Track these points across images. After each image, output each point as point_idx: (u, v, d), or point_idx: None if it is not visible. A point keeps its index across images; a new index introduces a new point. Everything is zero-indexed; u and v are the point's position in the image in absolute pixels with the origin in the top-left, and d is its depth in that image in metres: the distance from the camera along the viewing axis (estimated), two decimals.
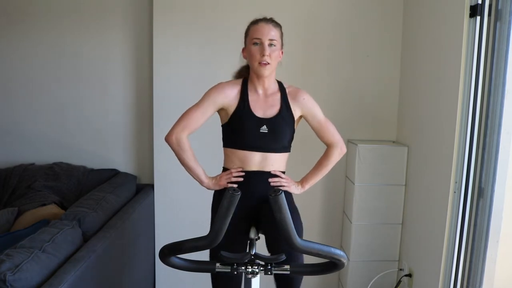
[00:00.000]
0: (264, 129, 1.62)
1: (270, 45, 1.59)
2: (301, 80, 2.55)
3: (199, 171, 1.70)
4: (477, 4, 1.80)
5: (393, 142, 2.65)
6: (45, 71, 2.73)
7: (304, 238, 1.19)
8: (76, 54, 2.71)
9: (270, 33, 1.59)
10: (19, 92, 2.75)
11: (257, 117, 1.63)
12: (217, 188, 1.71)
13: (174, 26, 2.56)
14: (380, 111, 2.67)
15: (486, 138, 1.84)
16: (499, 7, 1.77)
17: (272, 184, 1.67)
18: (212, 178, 1.72)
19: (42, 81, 2.74)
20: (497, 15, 1.78)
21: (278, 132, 1.64)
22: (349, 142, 2.63)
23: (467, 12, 1.85)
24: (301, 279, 1.75)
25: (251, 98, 1.66)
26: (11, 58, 2.72)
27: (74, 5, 2.67)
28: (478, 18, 1.82)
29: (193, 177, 1.72)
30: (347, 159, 2.66)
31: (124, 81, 2.74)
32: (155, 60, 2.59)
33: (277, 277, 1.73)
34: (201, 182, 1.71)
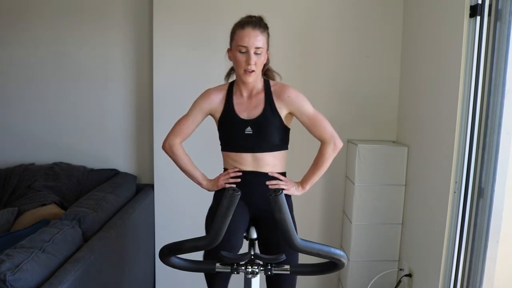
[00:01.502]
0: (248, 130, 1.63)
1: (256, 53, 1.58)
2: (301, 81, 2.56)
3: (197, 175, 1.75)
4: (477, 4, 1.80)
5: (393, 142, 2.65)
6: (45, 71, 2.73)
7: (304, 238, 1.19)
8: (76, 54, 2.71)
9: (256, 42, 1.56)
10: (19, 92, 2.75)
11: (241, 119, 1.64)
12: (216, 189, 1.74)
13: (174, 26, 2.56)
14: (380, 111, 2.67)
15: (486, 138, 1.84)
16: (499, 7, 1.77)
17: (270, 187, 1.67)
18: (211, 180, 1.75)
19: (42, 81, 2.74)
20: (497, 15, 1.78)
21: (263, 132, 1.63)
22: (349, 142, 2.63)
23: (467, 12, 1.85)
24: (295, 284, 1.74)
25: (236, 101, 1.67)
26: (11, 58, 2.72)
27: (74, 5, 2.67)
28: (478, 18, 1.81)
29: (192, 180, 1.77)
30: (347, 159, 2.66)
31: (124, 81, 2.74)
32: (155, 60, 2.59)
33: (270, 280, 1.72)
34: (200, 185, 1.76)
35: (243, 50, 1.58)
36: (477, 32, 1.82)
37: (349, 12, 2.59)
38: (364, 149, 2.47)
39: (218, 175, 1.75)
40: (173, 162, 1.75)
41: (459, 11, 1.89)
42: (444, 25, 2.07)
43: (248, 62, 1.57)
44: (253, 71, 1.59)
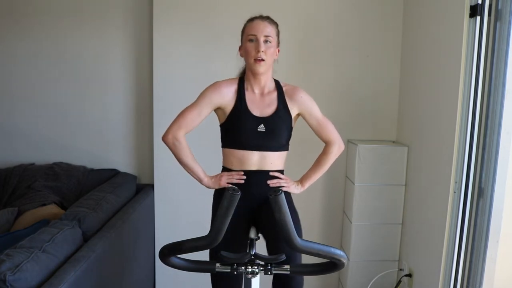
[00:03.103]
0: (261, 128, 1.62)
1: (266, 41, 1.59)
2: (301, 80, 2.55)
3: (198, 170, 1.70)
4: (477, 4, 1.80)
5: (393, 142, 2.65)
6: (45, 71, 2.73)
7: (304, 238, 1.19)
8: (76, 54, 2.71)
9: (265, 30, 1.59)
10: (19, 92, 2.75)
11: (254, 116, 1.63)
12: (217, 187, 1.71)
13: (174, 25, 2.56)
14: (380, 111, 2.67)
15: (486, 138, 1.84)
16: (499, 7, 1.77)
17: (271, 185, 1.67)
18: (212, 177, 1.72)
19: (42, 81, 2.74)
20: (497, 15, 1.78)
21: (276, 130, 1.63)
22: (349, 142, 2.63)
23: (467, 12, 1.85)
24: (302, 283, 1.74)
25: (248, 97, 1.66)
26: (11, 58, 2.72)
27: (74, 5, 2.67)
28: (478, 18, 1.82)
29: (192, 176, 1.72)
30: (347, 159, 2.66)
31: (124, 81, 2.74)
32: (155, 60, 2.59)
33: (276, 281, 1.72)
34: (200, 181, 1.71)
35: (253, 38, 1.59)
36: (477, 32, 1.82)
37: (349, 12, 2.59)
38: (364, 149, 2.47)
39: (219, 173, 1.73)
40: (173, 156, 1.69)
41: (459, 11, 1.89)
42: (444, 25, 2.07)
43: (257, 49, 1.58)
44: (262, 59, 1.59)
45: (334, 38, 2.61)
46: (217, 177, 1.70)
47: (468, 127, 1.87)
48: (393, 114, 2.67)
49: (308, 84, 2.58)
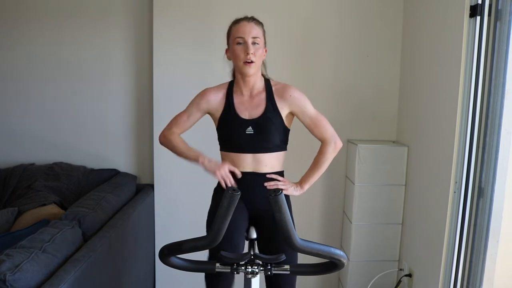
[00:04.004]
0: (249, 130, 1.61)
1: (254, 43, 1.59)
2: (301, 80, 2.56)
3: (194, 151, 1.66)
4: (477, 4, 1.80)
5: (393, 142, 2.65)
6: (45, 71, 2.73)
7: (304, 238, 1.19)
8: (76, 54, 2.71)
9: (252, 32, 1.59)
10: (19, 92, 2.75)
11: (242, 119, 1.63)
12: (211, 173, 1.62)
13: (175, 26, 2.56)
14: (380, 111, 2.67)
15: (486, 138, 1.84)
16: (499, 7, 1.77)
17: (268, 188, 1.65)
18: (212, 160, 1.63)
19: (42, 81, 2.74)
20: (497, 15, 1.79)
21: (264, 132, 1.62)
22: (349, 142, 2.63)
23: (467, 12, 1.85)
24: (295, 283, 1.74)
25: (236, 100, 1.66)
26: (11, 58, 2.72)
27: (74, 5, 2.67)
28: (478, 18, 1.82)
29: (191, 161, 1.66)
30: (347, 159, 2.66)
31: (124, 81, 2.74)
32: (155, 60, 2.59)
33: (269, 282, 1.72)
34: (196, 160, 1.64)
35: (241, 41, 1.59)
36: (477, 32, 1.82)
37: (349, 12, 2.59)
38: (364, 149, 2.47)
39: (222, 162, 1.66)
40: (171, 152, 1.70)
41: (459, 11, 1.89)
42: (444, 25, 2.07)
43: (246, 52, 1.57)
44: (252, 61, 1.58)
45: (334, 38, 2.61)
46: (218, 165, 1.61)
47: (468, 127, 1.87)
48: (393, 114, 2.67)
49: (308, 84, 2.59)
